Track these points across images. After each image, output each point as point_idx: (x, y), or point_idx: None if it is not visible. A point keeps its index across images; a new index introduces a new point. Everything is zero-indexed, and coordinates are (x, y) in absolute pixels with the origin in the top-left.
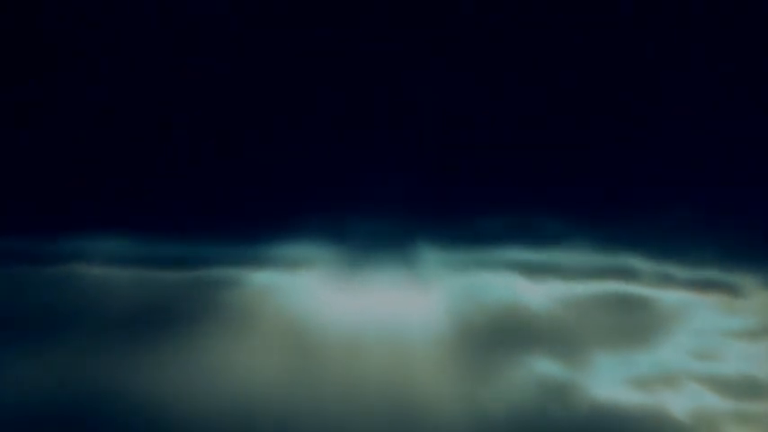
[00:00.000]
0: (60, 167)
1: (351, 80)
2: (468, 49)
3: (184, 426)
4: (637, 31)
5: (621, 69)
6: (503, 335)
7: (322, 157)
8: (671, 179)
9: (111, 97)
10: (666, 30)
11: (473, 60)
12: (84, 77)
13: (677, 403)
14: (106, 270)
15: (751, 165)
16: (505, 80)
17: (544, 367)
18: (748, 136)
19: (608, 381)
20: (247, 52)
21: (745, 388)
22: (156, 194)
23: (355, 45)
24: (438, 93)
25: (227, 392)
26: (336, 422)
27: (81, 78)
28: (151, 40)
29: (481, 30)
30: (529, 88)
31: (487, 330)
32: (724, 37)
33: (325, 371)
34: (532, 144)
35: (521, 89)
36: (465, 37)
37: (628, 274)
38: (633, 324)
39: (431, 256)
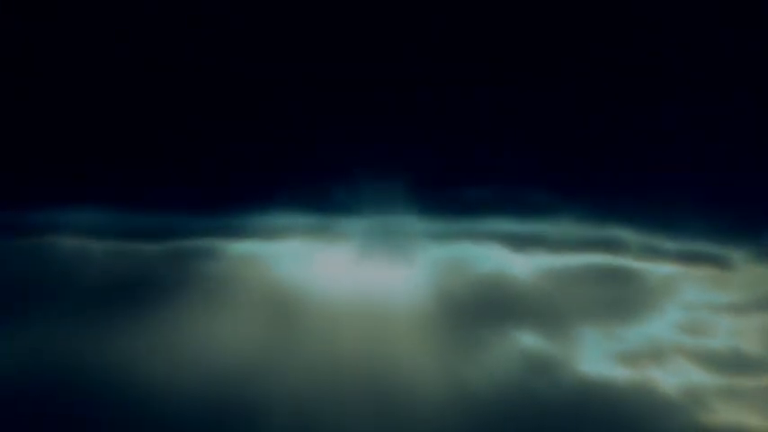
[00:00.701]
0: (37, 139)
1: (331, 48)
2: (458, 21)
3: (164, 396)
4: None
5: (610, 43)
6: (487, 307)
7: (302, 126)
8: (659, 151)
9: (87, 70)
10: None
11: (462, 31)
12: (61, 52)
13: (665, 378)
14: (84, 241)
15: (740, 138)
16: (494, 53)
17: (529, 341)
18: (736, 109)
19: (595, 355)
20: (224, 27)
21: (733, 363)
22: (133, 166)
23: (335, 14)
24: (423, 60)
25: (206, 362)
26: (316, 393)
27: (57, 53)
28: (125, 18)
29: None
30: (517, 60)
31: (472, 303)
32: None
33: (305, 342)
34: (520, 114)
35: (508, 62)
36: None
37: (615, 247)
38: (620, 297)
39: (415, 226)
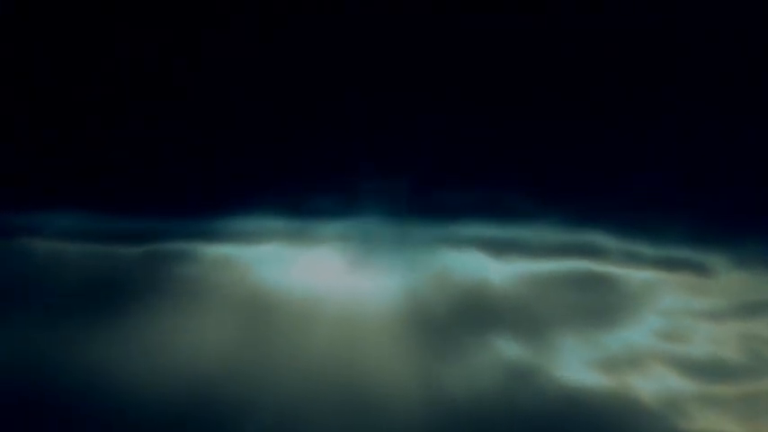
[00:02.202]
0: (13, 142)
1: (310, 51)
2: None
3: (139, 398)
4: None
5: (591, 49)
6: (466, 314)
7: (280, 129)
8: (638, 155)
9: (64, 71)
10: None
11: (443, 35)
12: (36, 56)
13: (644, 386)
14: (61, 244)
15: (721, 145)
16: (472, 55)
17: (508, 348)
18: (717, 112)
19: (574, 363)
20: (201, 27)
21: (712, 370)
22: (109, 168)
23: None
24: (403, 64)
25: (182, 365)
26: (292, 398)
27: (33, 57)
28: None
29: None
30: (495, 63)
31: (450, 309)
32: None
33: (280, 346)
34: (498, 118)
35: (487, 64)
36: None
37: (594, 253)
38: (599, 304)
39: (392, 231)
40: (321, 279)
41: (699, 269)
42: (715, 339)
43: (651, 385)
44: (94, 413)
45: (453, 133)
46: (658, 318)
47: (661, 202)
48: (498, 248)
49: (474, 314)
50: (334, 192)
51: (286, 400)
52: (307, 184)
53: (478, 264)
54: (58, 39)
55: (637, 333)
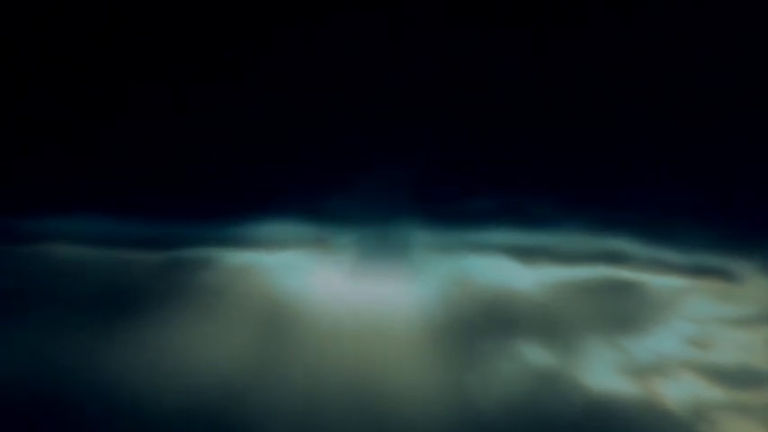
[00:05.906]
0: (32, 146)
1: (328, 54)
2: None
3: (156, 407)
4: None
5: (610, 47)
6: (491, 320)
7: (300, 134)
8: (665, 160)
9: (80, 73)
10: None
11: (461, 25)
12: (53, 58)
13: (671, 393)
14: (79, 250)
15: (748, 150)
16: (495, 56)
17: (534, 355)
18: (743, 116)
19: (600, 369)
20: (217, 30)
21: (740, 377)
22: (129, 174)
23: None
24: (424, 64)
25: (198, 375)
26: (312, 407)
27: (49, 59)
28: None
29: None
30: (519, 68)
31: (475, 315)
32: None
33: (301, 354)
34: (523, 123)
35: (511, 67)
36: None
37: (620, 259)
38: (626, 310)
39: (416, 238)
40: (342, 286)
41: (726, 275)
42: (743, 346)
43: (678, 392)
44: (110, 421)
45: (478, 138)
46: (685, 324)
47: (687, 208)
48: (524, 254)
49: (500, 321)
50: (356, 198)
51: (305, 409)
52: (328, 191)
53: (504, 270)
54: (77, 41)
55: (664, 340)
